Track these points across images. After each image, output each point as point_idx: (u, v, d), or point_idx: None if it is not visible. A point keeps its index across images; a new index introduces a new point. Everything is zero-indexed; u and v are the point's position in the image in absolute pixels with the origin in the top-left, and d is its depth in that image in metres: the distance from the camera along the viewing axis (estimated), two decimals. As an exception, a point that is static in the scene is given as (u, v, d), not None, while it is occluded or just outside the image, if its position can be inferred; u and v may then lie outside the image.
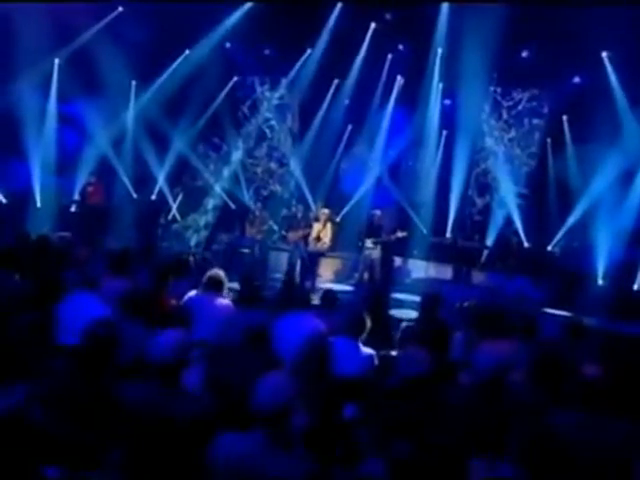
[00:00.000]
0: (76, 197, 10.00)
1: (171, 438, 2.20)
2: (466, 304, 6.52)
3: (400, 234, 8.18)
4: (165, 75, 10.07)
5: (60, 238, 9.45)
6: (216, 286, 4.10)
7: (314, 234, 8.00)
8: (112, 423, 2.30)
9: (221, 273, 4.36)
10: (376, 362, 3.58)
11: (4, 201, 9.84)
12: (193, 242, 11.03)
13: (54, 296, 3.67)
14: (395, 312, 5.08)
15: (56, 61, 9.72)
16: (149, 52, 9.42)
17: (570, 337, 4.42)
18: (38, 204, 9.94)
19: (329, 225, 8.09)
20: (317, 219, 8.16)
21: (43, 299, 3.63)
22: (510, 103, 9.60)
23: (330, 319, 4.29)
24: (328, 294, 4.53)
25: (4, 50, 8.55)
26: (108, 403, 2.32)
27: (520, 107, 9.60)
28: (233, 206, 11.04)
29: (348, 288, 8.17)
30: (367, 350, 3.58)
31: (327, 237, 8.04)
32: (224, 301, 4.10)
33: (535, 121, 9.53)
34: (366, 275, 8.69)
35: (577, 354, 4.23)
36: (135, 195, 10.65)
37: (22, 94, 9.21)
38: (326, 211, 8.22)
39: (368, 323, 3.62)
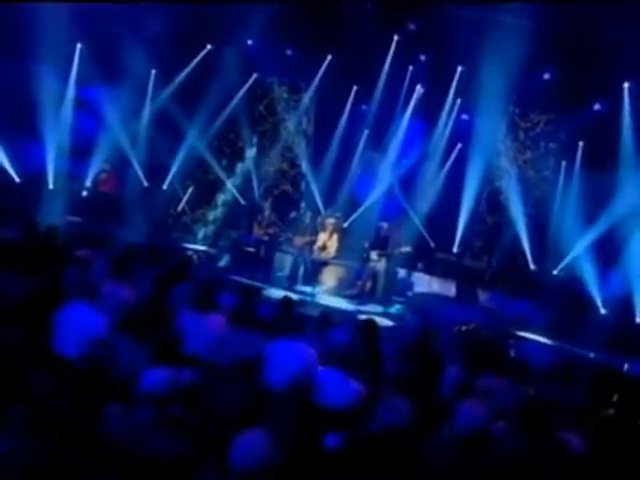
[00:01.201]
0: (88, 183, 10.09)
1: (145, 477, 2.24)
2: (464, 328, 6.57)
3: (405, 249, 8.19)
4: (185, 69, 10.08)
5: (70, 223, 9.62)
6: (210, 303, 4.14)
7: (320, 243, 8.03)
8: (92, 452, 2.34)
9: (216, 285, 4.42)
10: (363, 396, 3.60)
11: (18, 180, 9.95)
12: (201, 235, 11.11)
13: (53, 302, 3.72)
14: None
15: (78, 46, 9.77)
16: (171, 43, 9.42)
17: (561, 379, 4.41)
18: (50, 186, 10.05)
19: (335, 235, 8.11)
20: (324, 228, 8.17)
21: (42, 305, 3.68)
22: (527, 125, 9.51)
23: (324, 341, 4.36)
24: (325, 316, 4.56)
25: (27, 32, 8.61)
26: (91, 431, 2.37)
27: (537, 130, 9.51)
28: (243, 202, 11.10)
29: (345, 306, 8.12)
30: (355, 383, 3.61)
31: (333, 247, 8.06)
32: (217, 318, 4.14)
33: (551, 145, 9.44)
34: (369, 284, 8.73)
35: (567, 396, 4.26)
36: (146, 184, 10.73)
37: (42, 77, 9.27)
38: (333, 221, 8.23)
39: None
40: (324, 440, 3.22)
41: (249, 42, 9.81)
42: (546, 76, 8.67)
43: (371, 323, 4.29)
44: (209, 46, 9.92)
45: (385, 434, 2.57)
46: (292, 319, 4.38)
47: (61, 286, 3.96)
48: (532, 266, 9.38)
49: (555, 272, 9.16)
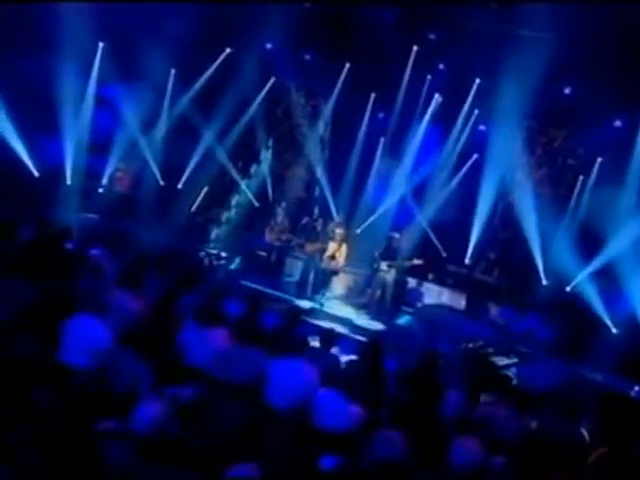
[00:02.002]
0: (105, 181, 10.22)
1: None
2: (471, 345, 6.55)
3: (416, 261, 8.16)
4: (204, 70, 10.14)
5: (85, 220, 9.76)
6: (216, 316, 4.17)
7: (329, 252, 8.04)
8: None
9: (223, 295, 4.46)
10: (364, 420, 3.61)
11: (36, 175, 10.11)
12: (213, 236, 11.17)
13: (62, 311, 3.77)
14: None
15: (100, 44, 9.87)
16: (191, 44, 9.48)
17: (566, 408, 4.37)
18: (68, 181, 10.20)
19: (344, 245, 8.11)
20: (334, 238, 8.17)
21: (51, 313, 3.73)
22: (545, 139, 9.40)
23: (327, 359, 4.37)
24: (328, 333, 4.57)
25: (51, 30, 8.72)
26: (88, 459, 2.41)
27: (555, 145, 9.39)
28: (257, 204, 11.14)
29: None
30: (355, 407, 3.61)
31: (342, 257, 8.07)
32: (222, 331, 4.17)
33: (569, 161, 9.32)
34: (378, 293, 8.71)
35: (571, 430, 4.22)
36: (162, 182, 10.84)
37: (64, 74, 9.39)
38: (342, 231, 8.23)
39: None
40: (319, 462, 3.25)
41: (268, 46, 9.83)
42: (567, 90, 8.56)
43: (375, 344, 4.29)
44: (228, 49, 9.96)
45: (379, 468, 2.57)
46: (296, 335, 4.39)
47: (71, 293, 4.02)
48: (544, 282, 9.29)
49: (568, 289, 9.06)
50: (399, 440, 2.77)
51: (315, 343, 4.70)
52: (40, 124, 9.66)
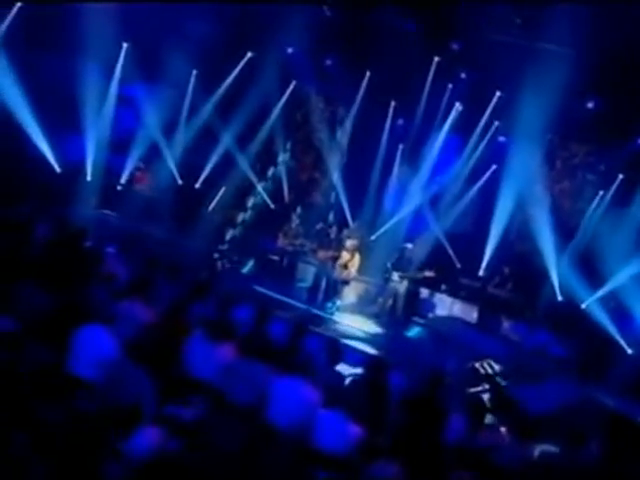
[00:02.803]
0: (124, 180, 10.35)
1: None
2: (477, 364, 6.48)
3: (428, 273, 8.12)
4: (225, 73, 10.20)
5: (104, 216, 9.92)
6: (222, 334, 4.20)
7: (342, 262, 8.04)
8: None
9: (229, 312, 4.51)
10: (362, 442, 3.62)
11: (58, 170, 10.29)
12: (228, 237, 11.25)
13: (74, 321, 3.84)
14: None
15: (124, 45, 9.99)
16: (212, 47, 9.55)
17: (571, 434, 4.30)
18: (88, 178, 10.36)
19: (357, 255, 8.10)
20: (346, 248, 8.15)
21: (63, 323, 3.80)
22: (566, 154, 9.25)
23: (331, 376, 4.39)
24: (334, 350, 4.58)
25: (76, 30, 8.86)
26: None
27: (576, 160, 9.23)
28: (272, 206, 11.18)
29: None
30: (355, 428, 3.62)
31: (354, 267, 8.05)
32: (229, 346, 4.20)
33: (589, 176, 9.16)
34: (390, 302, 8.68)
35: (575, 459, 4.16)
36: (180, 182, 10.94)
37: (88, 73, 9.53)
38: (355, 242, 8.22)
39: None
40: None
41: (289, 50, 9.83)
42: (590, 105, 8.41)
43: (379, 364, 4.28)
44: (250, 53, 10.00)
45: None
46: (302, 351, 4.41)
47: (83, 303, 4.09)
48: (560, 297, 9.16)
49: (583, 306, 8.91)
50: (396, 471, 2.78)
51: (321, 358, 4.71)
52: (63, 121, 9.83)
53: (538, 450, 3.89)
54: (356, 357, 5.82)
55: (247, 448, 3.30)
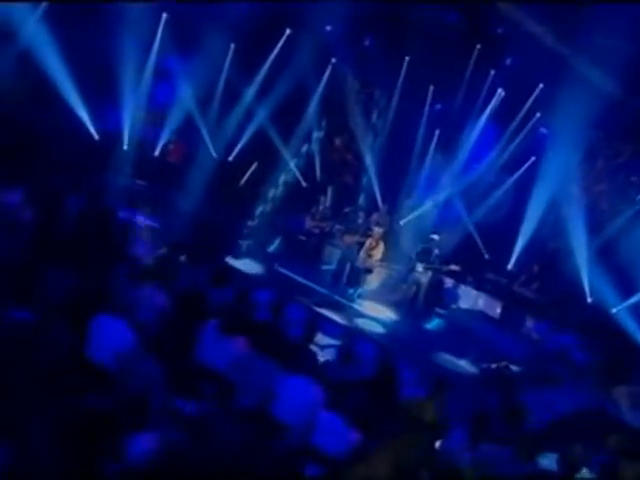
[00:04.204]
0: (157, 151, 10.49)
1: None
2: (494, 366, 6.44)
3: (453, 267, 8.02)
4: (263, 49, 10.09)
5: (136, 185, 10.13)
6: (235, 326, 4.29)
7: (366, 249, 8.01)
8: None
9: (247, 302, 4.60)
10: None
11: (97, 137, 10.51)
12: (258, 212, 11.33)
13: (95, 305, 3.98)
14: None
15: (164, 15, 9.97)
16: (252, 21, 9.43)
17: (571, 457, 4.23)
18: (125, 147, 10.56)
19: (382, 244, 8.05)
20: (372, 235, 8.11)
21: (85, 306, 3.95)
22: (609, 152, 8.82)
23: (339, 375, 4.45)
24: (346, 348, 4.62)
25: (115, 1, 8.89)
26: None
27: (620, 159, 8.80)
28: (304, 184, 11.16)
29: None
30: (355, 434, 3.68)
31: (378, 255, 8.02)
32: (241, 340, 4.30)
33: (633, 178, 8.73)
34: (413, 290, 8.64)
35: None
36: (215, 155, 11.02)
37: (127, 43, 9.58)
38: (382, 229, 8.15)
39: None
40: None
41: (327, 28, 9.62)
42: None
43: (391, 372, 4.29)
44: (288, 30, 9.85)
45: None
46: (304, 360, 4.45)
47: (106, 287, 4.22)
48: (589, 299, 8.92)
49: (614, 310, 8.65)
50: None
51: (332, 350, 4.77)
52: (102, 91, 9.97)
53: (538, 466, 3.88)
54: (368, 347, 5.79)
55: (249, 444, 3.43)
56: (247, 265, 8.20)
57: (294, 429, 3.61)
